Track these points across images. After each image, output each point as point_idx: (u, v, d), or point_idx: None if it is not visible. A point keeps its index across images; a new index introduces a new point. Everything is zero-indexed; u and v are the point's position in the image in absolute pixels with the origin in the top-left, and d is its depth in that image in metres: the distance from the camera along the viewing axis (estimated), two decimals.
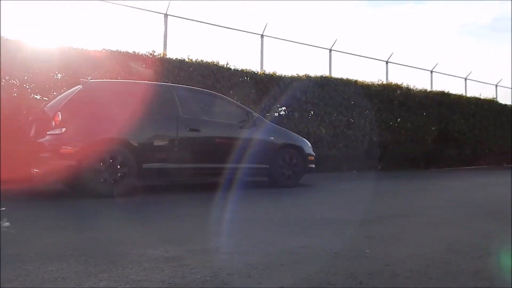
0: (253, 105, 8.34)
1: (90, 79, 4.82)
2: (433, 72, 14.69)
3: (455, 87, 15.90)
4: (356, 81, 10.42)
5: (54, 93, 5.86)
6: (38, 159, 4.30)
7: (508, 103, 15.07)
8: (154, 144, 4.80)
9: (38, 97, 6.26)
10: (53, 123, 4.33)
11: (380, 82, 11.12)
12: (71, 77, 6.60)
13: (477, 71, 15.99)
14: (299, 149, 5.94)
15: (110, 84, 4.99)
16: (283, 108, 9.30)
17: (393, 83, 11.24)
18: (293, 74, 9.46)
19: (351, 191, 6.02)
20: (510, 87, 18.32)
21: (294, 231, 2.91)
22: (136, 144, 4.59)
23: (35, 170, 4.34)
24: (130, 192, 4.54)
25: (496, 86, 17.34)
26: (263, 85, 8.74)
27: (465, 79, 16.21)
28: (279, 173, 5.68)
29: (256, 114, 5.69)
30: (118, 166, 4.46)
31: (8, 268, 1.93)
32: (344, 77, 10.24)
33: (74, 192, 4.63)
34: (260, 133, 5.61)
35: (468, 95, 14.07)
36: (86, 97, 4.59)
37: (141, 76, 7.17)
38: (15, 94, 6.06)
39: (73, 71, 6.57)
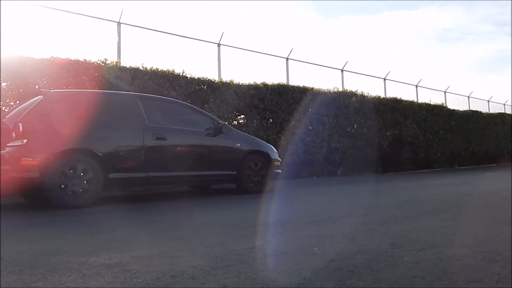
0: (211, 113, 8.46)
1: (51, 90, 4.73)
2: (386, 80, 15.54)
3: (407, 94, 16.89)
4: (312, 88, 10.83)
5: None
6: None
7: (457, 108, 16.19)
8: (120, 153, 4.78)
9: None
10: (14, 135, 4.22)
11: (336, 90, 11.60)
12: (17, 86, 6.43)
13: (427, 79, 17.02)
14: (265, 155, 6.11)
15: (72, 94, 4.93)
16: (242, 116, 9.49)
17: (348, 90, 11.76)
18: (250, 82, 9.68)
19: (309, 196, 6.22)
20: (458, 93, 19.81)
21: (247, 234, 2.98)
22: (101, 154, 4.57)
23: None
24: (96, 203, 4.48)
25: (445, 92, 18.59)
26: (220, 93, 8.87)
27: (416, 86, 17.26)
28: (247, 180, 5.81)
29: (222, 122, 5.81)
30: (82, 176, 4.41)
31: None
32: (301, 85, 10.61)
33: (38, 204, 4.49)
34: (226, 140, 5.73)
35: (420, 101, 14.97)
36: (48, 108, 4.51)
37: (93, 85, 7.10)
38: None
39: (19, 80, 6.40)
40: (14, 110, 4.71)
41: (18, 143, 4.19)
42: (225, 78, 9.48)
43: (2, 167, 4.11)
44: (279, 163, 6.30)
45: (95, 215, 4.08)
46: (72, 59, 7.08)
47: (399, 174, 12.47)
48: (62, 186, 4.28)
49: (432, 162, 14.61)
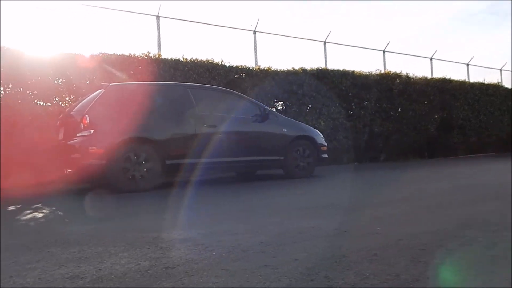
0: None
1: (110, 84, 5.48)
2: (432, 59, 15.33)
3: (457, 74, 16.58)
4: (353, 71, 11.03)
5: (56, 99, 6.52)
6: (70, 160, 4.99)
7: None
8: (175, 141, 5.43)
9: (41, 103, 6.94)
10: (82, 126, 4.97)
11: (378, 72, 11.73)
12: (70, 82, 7.30)
13: (478, 57, 16.61)
14: (312, 140, 6.57)
15: (129, 87, 5.63)
16: (281, 102, 9.95)
17: (391, 72, 11.84)
18: (288, 68, 10.10)
19: (355, 180, 6.50)
20: None
21: (305, 215, 3.14)
22: (159, 142, 5.23)
23: (68, 170, 5.03)
24: (156, 188, 5.13)
25: (501, 70, 17.92)
26: (258, 81, 9.37)
27: (467, 64, 16.80)
28: (294, 164, 6.32)
29: (268, 108, 6.33)
30: (143, 163, 5.10)
31: (33, 251, 2.29)
32: (341, 68, 10.87)
33: (104, 189, 5.20)
34: (273, 126, 6.24)
35: (472, 81, 14.66)
36: (109, 100, 5.22)
37: (138, 78, 7.87)
38: (20, 101, 6.73)
39: (72, 76, 7.27)
40: (79, 104, 5.48)
41: (86, 133, 4.95)
42: (263, 65, 9.95)
43: (73, 156, 4.90)
44: (325, 147, 6.74)
45: (157, 198, 4.71)
46: (117, 54, 7.85)
47: (448, 159, 12.42)
48: (126, 172, 5.00)
49: (486, 146, 14.31)
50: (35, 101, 6.93)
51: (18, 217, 3.74)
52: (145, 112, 5.30)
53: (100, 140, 4.94)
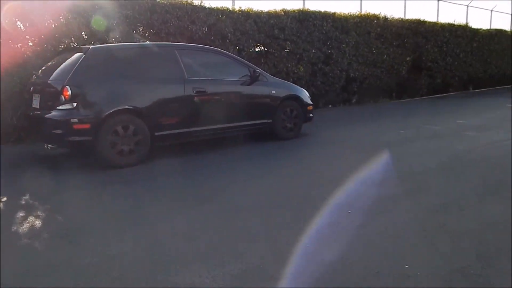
0: (232, 47, 8.43)
1: (90, 46, 4.77)
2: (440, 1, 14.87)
3: (427, 13, 16.37)
4: (334, 13, 10.52)
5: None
6: (51, 135, 4.45)
7: (481, 27, 15.78)
8: (164, 110, 5.01)
9: None
10: (63, 98, 4.42)
11: (358, 13, 11.26)
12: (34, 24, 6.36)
13: None
14: (299, 100, 6.36)
15: (112, 50, 4.95)
16: (261, 47, 9.41)
17: (370, 14, 11.41)
18: (269, 9, 9.40)
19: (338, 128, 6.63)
20: (485, 7, 19.05)
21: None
22: (147, 112, 4.81)
23: (49, 146, 4.51)
24: (144, 161, 4.86)
25: (468, 7, 17.92)
26: (240, 24, 8.70)
27: (438, 0, 16.60)
28: (281, 126, 6.14)
29: (258, 70, 5.93)
30: (133, 137, 4.72)
31: None
32: (322, 10, 10.28)
33: (91, 163, 4.88)
34: (262, 88, 5.94)
35: (440, 19, 14.54)
36: (90, 67, 4.63)
37: (110, 22, 7.00)
38: None
39: (36, 18, 6.34)
40: (57, 70, 4.78)
41: (68, 106, 4.41)
42: (241, 5, 9.15)
43: (54, 131, 4.39)
44: (311, 107, 6.57)
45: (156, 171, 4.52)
46: None
47: (413, 100, 12.73)
48: (114, 146, 4.59)
49: (449, 87, 14.73)
50: None
51: None
52: (131, 79, 4.81)
53: (85, 114, 4.48)
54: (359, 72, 11.22)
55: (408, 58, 12.61)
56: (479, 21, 18.52)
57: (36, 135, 4.97)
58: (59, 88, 4.44)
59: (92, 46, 4.81)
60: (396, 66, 12.17)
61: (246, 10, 8.95)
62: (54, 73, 4.75)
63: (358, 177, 4.02)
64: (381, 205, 3.24)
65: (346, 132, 6.78)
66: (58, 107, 4.45)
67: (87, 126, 4.43)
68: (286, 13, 9.54)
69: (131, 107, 4.73)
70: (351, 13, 11.09)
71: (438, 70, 13.58)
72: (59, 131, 4.40)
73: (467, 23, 14.89)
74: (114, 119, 4.59)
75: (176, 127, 5.10)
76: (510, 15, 21.16)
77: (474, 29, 14.95)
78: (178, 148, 5.41)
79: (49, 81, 4.69)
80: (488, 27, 17.40)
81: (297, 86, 6.66)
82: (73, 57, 4.77)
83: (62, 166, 4.89)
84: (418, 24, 12.73)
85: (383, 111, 9.95)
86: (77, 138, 4.43)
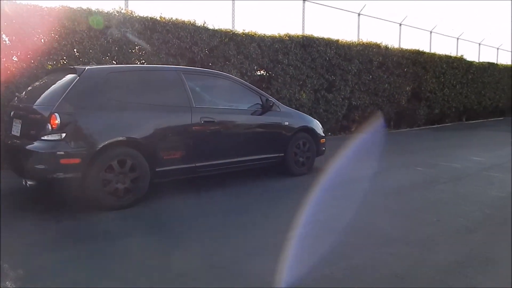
0: (235, 70, 7.81)
1: (86, 67, 4.04)
2: (401, 25, 14.75)
3: (420, 43, 16.28)
4: (337, 40, 10.10)
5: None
6: (32, 170, 3.65)
7: (474, 59, 15.67)
8: (167, 142, 4.29)
9: None
10: (49, 127, 3.67)
11: (360, 41, 10.87)
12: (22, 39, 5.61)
13: (441, 25, 16.40)
14: (312, 132, 5.74)
15: (110, 72, 4.21)
16: (264, 72, 8.83)
17: (372, 42, 11.03)
18: (273, 33, 8.89)
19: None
20: (473, 41, 19.15)
21: None
22: (148, 144, 4.10)
23: (28, 183, 3.70)
24: (141, 201, 4.10)
25: (458, 39, 17.94)
26: (244, 47, 8.12)
27: (431, 32, 16.55)
28: (293, 161, 5.48)
29: (271, 98, 5.31)
30: (130, 174, 3.98)
31: None
32: (325, 36, 9.86)
33: (76, 204, 4.07)
34: (275, 118, 5.31)
35: (434, 50, 14.38)
36: (85, 91, 3.92)
37: (106, 39, 6.31)
38: None
39: (24, 32, 5.59)
40: (44, 93, 4.02)
41: (55, 137, 3.64)
42: (240, 28, 8.59)
43: (36, 166, 3.60)
44: (324, 140, 5.94)
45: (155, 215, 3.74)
46: (83, 8, 6.15)
47: (412, 130, 12.29)
48: (106, 185, 3.83)
49: (445, 118, 14.41)
50: None
51: None
52: (131, 106, 4.11)
53: (75, 146, 3.68)
54: (361, 101, 10.74)
55: (408, 88, 12.26)
56: (468, 54, 18.52)
57: (13, 167, 4.15)
58: (46, 115, 3.69)
59: (88, 67, 4.09)
60: (397, 96, 11.77)
61: (249, 33, 8.39)
62: (41, 97, 4.00)
63: (398, 245, 3.32)
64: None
65: (357, 168, 6.13)
66: (43, 137, 3.68)
67: (76, 160, 3.67)
68: (290, 38, 9.03)
69: (130, 139, 4.00)
70: (354, 41, 10.70)
71: (436, 100, 13.26)
72: (41, 166, 3.61)
73: (462, 55, 14.72)
74: (109, 153, 3.85)
75: (180, 161, 4.37)
76: (496, 49, 21.32)
77: (469, 61, 14.82)
78: (178, 183, 4.66)
79: (34, 106, 3.93)
80: (477, 60, 17.40)
81: (309, 116, 6.03)
82: (65, 78, 4.05)
83: (29, 206, 4.07)
84: (418, 54, 12.46)
85: (389, 142, 9.40)
86: (62, 175, 3.65)
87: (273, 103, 5.21)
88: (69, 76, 4.02)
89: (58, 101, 3.72)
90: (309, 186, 4.81)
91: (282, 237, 3.20)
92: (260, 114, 5.17)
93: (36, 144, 3.69)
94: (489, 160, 6.90)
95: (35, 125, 3.79)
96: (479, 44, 19.97)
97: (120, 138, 3.93)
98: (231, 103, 5.03)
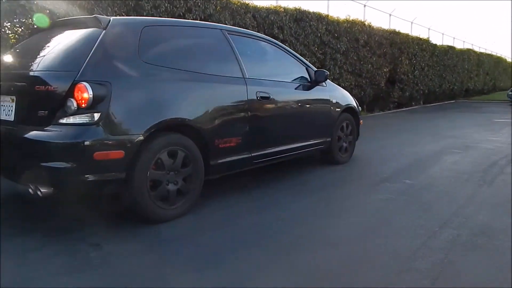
0: None
1: (112, 18, 2.73)
2: (366, 6, 14.43)
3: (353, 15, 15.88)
4: (327, 15, 9.39)
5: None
6: (45, 172, 2.34)
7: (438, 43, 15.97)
8: (222, 125, 3.14)
9: None
10: (73, 104, 2.37)
11: (348, 18, 10.26)
12: None
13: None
14: (354, 112, 4.89)
15: (145, 26, 2.89)
16: None
17: (358, 20, 10.50)
18: (267, 5, 7.92)
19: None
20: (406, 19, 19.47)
21: None
22: (201, 129, 2.94)
23: (41, 190, 2.38)
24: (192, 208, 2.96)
25: (412, 23, 18.23)
26: (239, 18, 7.05)
27: (390, 15, 16.57)
28: (337, 146, 4.60)
29: (316, 69, 4.33)
30: (182, 171, 2.84)
31: None
32: (316, 10, 9.07)
33: (107, 218, 2.83)
34: (323, 94, 4.38)
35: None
36: (116, 51, 2.65)
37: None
38: None
39: None
40: (48, 55, 2.67)
41: (83, 119, 2.40)
42: None
43: (54, 165, 2.34)
44: (362, 121, 5.14)
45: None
46: None
47: (389, 113, 12.09)
48: (153, 185, 2.67)
49: (414, 100, 14.50)
50: None
51: None
52: (176, 75, 2.92)
53: (114, 133, 2.48)
54: (348, 82, 10.17)
55: (385, 69, 11.96)
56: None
57: (3, 169, 2.77)
58: (66, 86, 2.41)
59: (113, 18, 2.80)
60: (378, 77, 11.41)
61: (244, 2, 7.31)
62: (45, 60, 2.66)
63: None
64: None
65: (395, 151, 5.47)
66: (61, 120, 2.41)
67: (118, 154, 2.45)
68: (285, 10, 8.11)
69: (181, 121, 2.84)
70: (339, 17, 10.04)
71: (408, 83, 13.19)
72: (62, 165, 2.34)
73: (428, 37, 14.85)
74: (158, 141, 2.67)
75: (236, 151, 3.30)
76: (428, 29, 21.87)
77: (433, 44, 15.00)
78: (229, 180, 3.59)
79: (38, 73, 2.59)
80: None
81: (347, 92, 5.16)
82: (80, 34, 2.74)
83: (37, 223, 2.80)
84: (394, 34, 12.20)
85: (390, 124, 8.92)
86: (98, 177, 2.42)
87: (317, 73, 4.26)
88: (86, 31, 2.73)
89: (82, 64, 2.45)
90: (353, 175, 4.01)
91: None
92: (308, 89, 4.24)
93: (48, 131, 2.40)
94: (500, 139, 6.59)
95: (44, 103, 2.48)
96: (411, 22, 20.29)
97: (170, 119, 2.77)
98: (279, 74, 4.01)
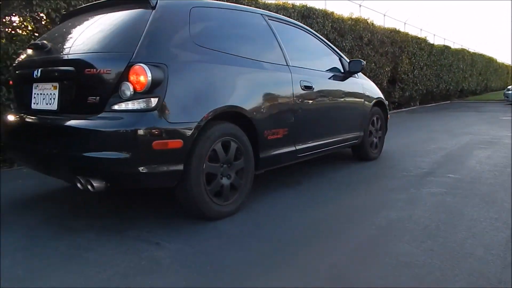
0: None
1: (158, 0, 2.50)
2: (361, 6, 14.45)
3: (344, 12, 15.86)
4: (332, 13, 9.28)
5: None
6: (101, 164, 2.11)
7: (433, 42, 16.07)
8: (272, 115, 2.94)
9: None
10: (129, 88, 2.14)
11: (351, 15, 10.20)
12: None
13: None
14: (383, 106, 4.75)
15: (193, 7, 2.65)
16: None
17: (361, 18, 10.45)
18: (276, 1, 7.77)
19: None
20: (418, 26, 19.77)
21: None
22: (253, 119, 2.74)
23: (92, 183, 2.13)
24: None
25: (405, 24, 18.37)
26: None
27: (384, 15, 16.67)
28: (368, 142, 4.43)
29: (348, 59, 4.19)
30: (233, 161, 2.62)
31: None
32: (322, 8, 8.97)
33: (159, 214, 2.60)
34: (356, 86, 4.24)
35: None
36: (168, 33, 2.42)
37: None
38: None
39: None
40: (89, 37, 2.45)
41: (140, 104, 2.17)
42: None
43: (107, 157, 2.11)
44: (389, 116, 5.02)
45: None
46: None
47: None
48: (209, 178, 2.46)
49: (413, 100, 14.54)
50: None
51: None
52: (226, 59, 2.71)
53: (173, 120, 2.25)
54: None
55: (387, 68, 11.94)
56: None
57: (41, 163, 2.51)
58: (120, 68, 2.18)
59: None
60: (380, 76, 11.37)
61: None
62: (90, 43, 2.41)
63: None
64: None
65: (418, 148, 5.36)
66: (114, 107, 2.18)
67: (177, 143, 2.23)
68: (293, 6, 7.99)
69: (235, 109, 2.64)
70: (342, 15, 9.97)
71: (408, 82, 13.21)
72: (117, 155, 2.11)
73: (425, 36, 14.94)
74: (214, 131, 2.46)
75: (282, 143, 3.10)
76: (420, 29, 22.11)
77: (430, 43, 15.10)
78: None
79: (86, 57, 2.34)
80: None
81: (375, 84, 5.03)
82: (126, 14, 2.50)
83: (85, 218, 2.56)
84: (395, 33, 12.20)
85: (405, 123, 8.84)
86: (156, 169, 2.19)
87: (362, 66, 4.11)
88: (132, 11, 2.50)
89: (136, 45, 2.24)
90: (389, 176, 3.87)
91: None
92: (342, 80, 4.09)
93: (102, 119, 2.17)
94: None
95: (96, 88, 2.24)
96: (404, 23, 20.43)
97: (226, 107, 2.56)
98: (315, 63, 3.84)
